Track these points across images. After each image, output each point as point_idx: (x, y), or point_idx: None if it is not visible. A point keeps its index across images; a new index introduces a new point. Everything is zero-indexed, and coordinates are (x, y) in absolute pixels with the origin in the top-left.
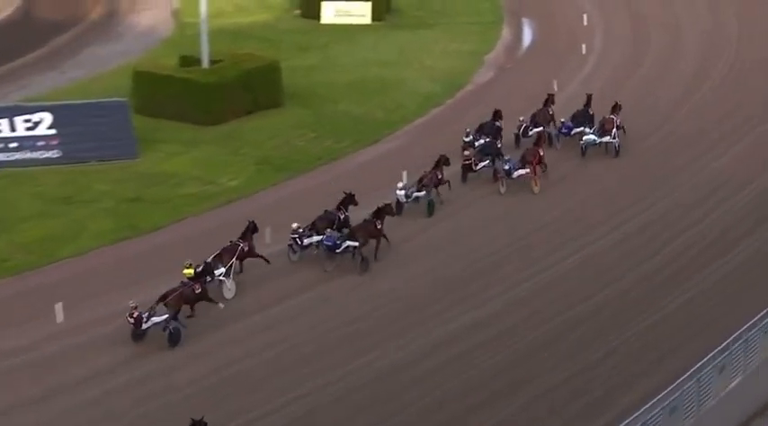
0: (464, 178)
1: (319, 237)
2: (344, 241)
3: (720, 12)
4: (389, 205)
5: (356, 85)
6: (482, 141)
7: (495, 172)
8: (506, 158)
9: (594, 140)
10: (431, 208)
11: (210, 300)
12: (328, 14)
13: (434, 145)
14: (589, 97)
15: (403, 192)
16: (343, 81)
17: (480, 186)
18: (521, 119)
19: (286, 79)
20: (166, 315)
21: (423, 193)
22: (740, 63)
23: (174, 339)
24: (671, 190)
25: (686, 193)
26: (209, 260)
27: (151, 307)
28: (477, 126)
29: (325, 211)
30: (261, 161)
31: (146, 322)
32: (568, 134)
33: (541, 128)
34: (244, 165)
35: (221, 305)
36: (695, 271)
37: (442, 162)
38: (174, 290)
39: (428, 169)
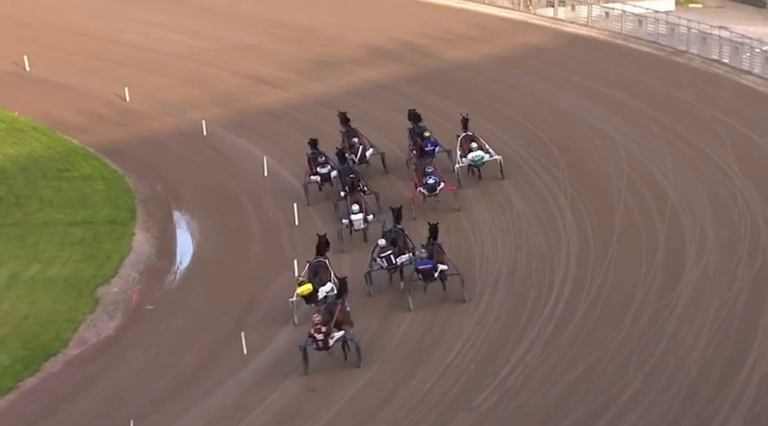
0: (336, 208)
1: (406, 257)
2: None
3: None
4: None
5: None
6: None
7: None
8: (429, 170)
9: (482, 157)
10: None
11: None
12: None
13: None
14: (415, 113)
15: (361, 216)
16: None
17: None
18: (355, 140)
19: None
20: (342, 332)
21: (372, 216)
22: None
23: (360, 353)
24: None
25: None
26: (302, 277)
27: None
28: (315, 160)
29: (384, 232)
30: None
31: (332, 338)
32: (433, 153)
33: (372, 149)
34: None
35: None
36: None
37: (356, 184)
38: (334, 307)
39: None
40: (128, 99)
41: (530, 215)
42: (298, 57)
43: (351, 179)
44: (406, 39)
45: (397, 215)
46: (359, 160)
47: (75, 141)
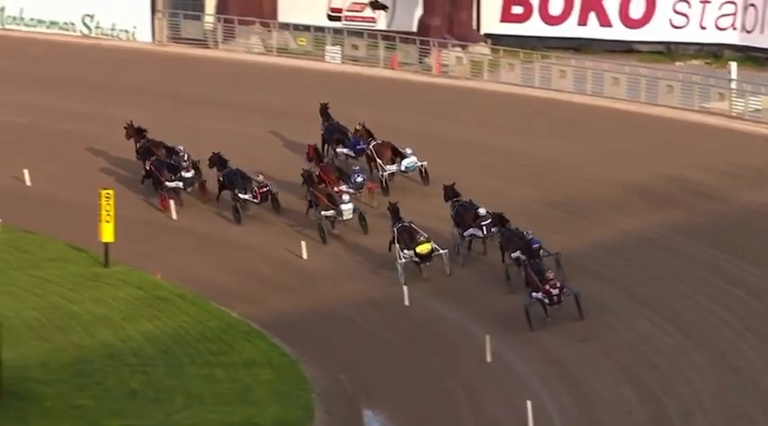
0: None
1: (496, 228)
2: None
3: None
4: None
5: None
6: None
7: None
8: (356, 168)
9: (416, 163)
10: (365, 223)
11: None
12: None
13: None
14: (326, 107)
15: (351, 206)
16: None
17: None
18: (180, 148)
19: None
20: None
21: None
22: None
23: (580, 305)
24: None
25: None
26: (424, 237)
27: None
28: (173, 164)
29: (460, 205)
30: None
31: (564, 293)
32: (353, 154)
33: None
34: None
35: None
36: None
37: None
38: (539, 266)
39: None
40: (304, 256)
41: None
42: (525, 197)
43: (305, 172)
44: (681, 174)
45: (453, 190)
46: (193, 166)
47: (233, 313)
